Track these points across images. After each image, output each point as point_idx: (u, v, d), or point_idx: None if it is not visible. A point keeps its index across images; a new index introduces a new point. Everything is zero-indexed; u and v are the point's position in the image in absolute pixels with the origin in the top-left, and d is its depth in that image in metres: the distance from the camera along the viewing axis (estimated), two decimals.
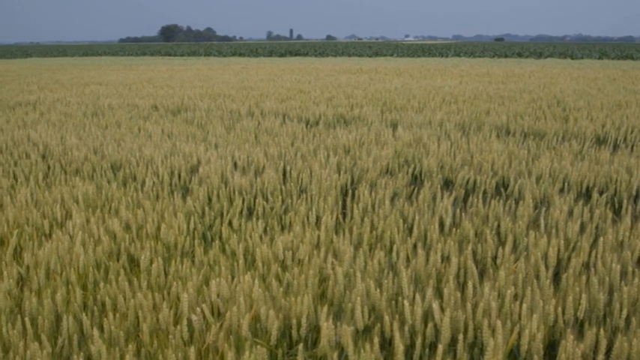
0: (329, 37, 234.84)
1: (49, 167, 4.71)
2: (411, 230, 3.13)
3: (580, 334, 1.97)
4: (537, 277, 2.40)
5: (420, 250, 2.51)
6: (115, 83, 13.35)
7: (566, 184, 4.01)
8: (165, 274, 2.55)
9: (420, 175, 4.39)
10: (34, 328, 2.14)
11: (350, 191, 3.80)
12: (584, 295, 2.14)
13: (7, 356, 1.95)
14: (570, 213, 3.27)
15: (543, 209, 3.28)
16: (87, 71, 20.49)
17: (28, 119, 7.49)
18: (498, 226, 3.12)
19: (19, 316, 2.15)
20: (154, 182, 4.05)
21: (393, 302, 2.25)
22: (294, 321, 2.12)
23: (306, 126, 6.41)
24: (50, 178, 4.31)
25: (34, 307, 2.23)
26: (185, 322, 2.06)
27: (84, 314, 2.16)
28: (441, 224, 3.18)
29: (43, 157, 5.13)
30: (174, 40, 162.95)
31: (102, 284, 2.37)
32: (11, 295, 2.39)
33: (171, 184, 4.13)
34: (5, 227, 3.16)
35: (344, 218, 3.34)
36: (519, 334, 2.01)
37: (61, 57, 43.64)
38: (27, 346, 1.95)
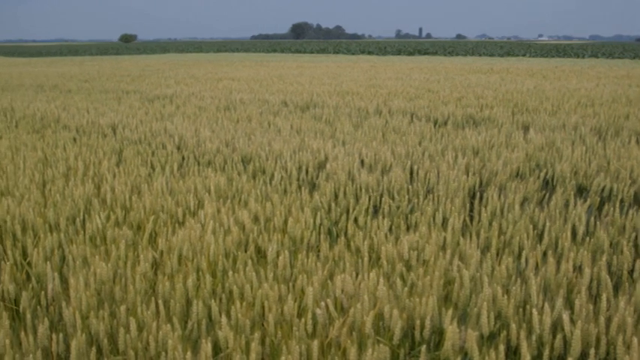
0: (459, 36, 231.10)
1: (183, 158, 4.91)
2: (541, 237, 3.03)
3: None
4: None
5: (550, 258, 2.42)
6: (247, 79, 13.74)
7: None
8: (291, 267, 2.59)
9: (552, 180, 4.23)
10: (166, 311, 2.23)
11: (478, 194, 3.72)
12: None
13: (141, 335, 2.04)
14: None
15: None
16: (220, 67, 21.23)
17: (165, 112, 7.84)
18: (636, 237, 2.97)
19: (152, 298, 2.25)
20: (282, 176, 4.13)
21: (521, 310, 2.18)
22: (417, 322, 2.10)
23: (434, 126, 6.34)
24: (184, 169, 4.49)
25: (167, 291, 2.33)
26: (309, 316, 2.09)
27: (213, 300, 2.23)
28: (574, 232, 3.06)
29: (178, 148, 5.36)
30: (304, 38, 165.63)
31: (230, 273, 2.43)
32: (146, 277, 2.51)
33: (298, 179, 4.20)
34: (142, 213, 3.32)
35: (471, 221, 3.28)
36: None
37: (196, 53, 45.42)
38: (159, 327, 2.04)
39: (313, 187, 4.10)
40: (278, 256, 2.61)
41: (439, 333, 2.14)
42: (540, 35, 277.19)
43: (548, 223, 2.98)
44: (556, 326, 2.07)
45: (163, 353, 1.92)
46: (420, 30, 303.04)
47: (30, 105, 8.80)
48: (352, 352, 1.86)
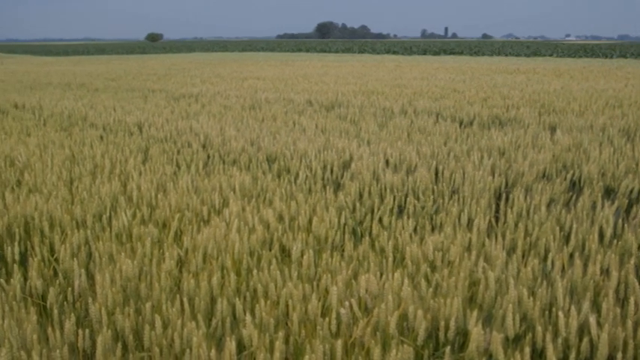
0: (485, 36, 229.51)
1: (208, 156, 4.93)
2: (567, 239, 2.99)
3: None
4: None
5: (577, 261, 2.39)
6: (272, 78, 13.77)
7: None
8: (315, 266, 2.59)
9: (579, 181, 4.19)
10: (191, 308, 2.25)
11: (504, 195, 3.70)
12: None
13: (166, 332, 2.05)
14: None
15: None
16: (245, 66, 21.31)
17: (191, 110, 7.89)
18: None
19: (177, 296, 2.27)
20: (307, 175, 4.14)
21: (547, 312, 2.16)
22: (441, 323, 2.09)
23: (460, 126, 6.31)
24: (209, 167, 4.51)
25: (192, 289, 2.35)
26: (333, 315, 2.09)
27: (237, 299, 2.23)
28: (601, 234, 3.02)
29: (204, 146, 5.39)
30: (329, 37, 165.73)
31: (255, 271, 2.44)
32: (171, 275, 2.52)
33: (323, 179, 4.20)
34: (168, 211, 3.34)
35: (497, 222, 3.25)
36: None
37: (221, 52, 45.63)
38: (184, 325, 2.05)
39: (338, 186, 4.09)
40: (302, 255, 2.61)
41: (464, 334, 2.13)
42: (567, 35, 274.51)
43: (575, 225, 2.95)
44: (583, 329, 2.04)
45: (188, 350, 1.93)
46: (446, 30, 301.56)
47: (58, 103, 8.90)
48: (376, 352, 1.85)
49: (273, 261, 2.54)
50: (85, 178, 4.07)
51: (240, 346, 2.02)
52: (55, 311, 2.25)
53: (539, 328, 1.99)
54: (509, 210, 3.23)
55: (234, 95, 9.75)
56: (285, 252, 2.86)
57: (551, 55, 35.46)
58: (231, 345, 1.88)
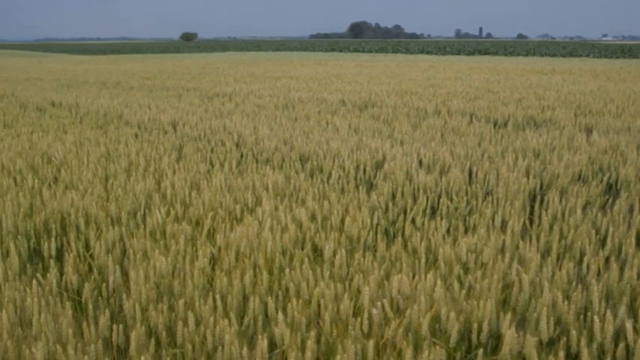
0: (520, 36, 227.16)
1: (241, 155, 4.96)
2: (603, 242, 2.95)
3: None
4: None
5: (613, 265, 2.36)
6: (305, 77, 13.79)
7: None
8: (348, 266, 2.59)
9: (616, 184, 4.12)
10: (223, 306, 2.26)
11: (538, 197, 3.65)
12: None
13: (198, 329, 2.07)
14: None
15: None
16: (279, 65, 21.39)
17: (225, 109, 7.94)
18: None
19: (210, 293, 2.28)
20: (339, 175, 4.13)
21: (581, 317, 2.14)
22: (474, 325, 2.08)
23: (494, 127, 6.25)
24: (242, 166, 4.53)
25: (224, 286, 2.36)
26: (365, 315, 2.09)
27: (269, 297, 2.24)
28: (638, 239, 2.97)
29: (237, 145, 5.41)
30: (362, 37, 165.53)
31: (287, 270, 2.45)
32: (204, 272, 2.54)
33: (356, 178, 4.19)
34: (201, 209, 3.36)
35: (531, 224, 3.22)
36: None
37: (255, 51, 45.85)
38: (217, 322, 2.06)
39: (371, 186, 4.08)
40: (335, 255, 2.61)
41: (496, 337, 2.11)
42: (605, 35, 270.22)
43: (611, 228, 2.90)
44: (618, 335, 2.01)
45: (220, 348, 1.94)
46: (480, 29, 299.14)
47: (94, 101, 9.03)
48: (408, 353, 1.84)
49: (306, 260, 2.54)
50: (119, 175, 4.12)
51: (272, 345, 2.02)
52: (90, 306, 2.29)
53: (573, 333, 1.97)
54: (543, 212, 3.19)
55: (267, 94, 9.78)
56: (317, 251, 2.86)
57: (587, 56, 35.03)
58: (263, 343, 1.89)
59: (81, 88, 12.02)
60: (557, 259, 2.71)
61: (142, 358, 1.81)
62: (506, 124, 6.60)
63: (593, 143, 5.19)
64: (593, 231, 2.94)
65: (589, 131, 6.01)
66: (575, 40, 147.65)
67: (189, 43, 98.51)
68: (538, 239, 2.90)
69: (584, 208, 3.43)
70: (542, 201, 3.54)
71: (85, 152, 4.92)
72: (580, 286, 2.25)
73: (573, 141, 5.30)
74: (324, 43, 77.39)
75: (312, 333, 1.94)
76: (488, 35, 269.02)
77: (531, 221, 3.30)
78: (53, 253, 2.81)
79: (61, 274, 2.56)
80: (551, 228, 3.08)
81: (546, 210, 3.30)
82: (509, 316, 2.00)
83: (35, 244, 3.08)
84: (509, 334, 1.91)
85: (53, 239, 2.88)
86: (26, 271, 2.70)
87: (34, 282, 2.33)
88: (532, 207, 3.53)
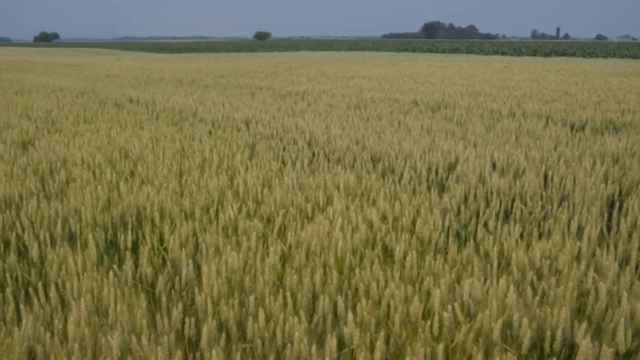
0: (599, 37, 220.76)
1: (313, 154, 4.98)
2: None
3: None
4: None
5: None
6: (377, 77, 13.75)
7: None
8: (418, 268, 2.56)
9: None
10: (293, 303, 2.27)
11: (617, 203, 3.54)
12: None
13: (268, 325, 2.09)
14: None
15: None
16: (351, 65, 21.40)
17: (297, 108, 7.98)
18: None
19: (280, 291, 2.30)
20: (411, 176, 4.10)
21: None
22: (547, 333, 2.02)
23: (571, 130, 6.09)
24: (314, 165, 4.55)
25: (294, 284, 2.37)
26: (435, 318, 2.06)
27: (339, 296, 2.24)
28: None
29: (309, 144, 5.44)
30: (435, 37, 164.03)
31: (357, 270, 2.44)
32: (275, 269, 2.56)
33: (428, 180, 4.16)
34: (273, 207, 3.39)
35: (609, 231, 3.12)
36: None
37: (327, 51, 45.99)
38: (286, 319, 2.08)
39: (443, 188, 4.04)
40: (405, 256, 2.59)
41: (570, 346, 2.05)
42: None
43: None
44: None
45: (289, 345, 1.95)
46: (558, 30, 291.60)
47: (169, 98, 9.22)
48: (478, 358, 1.81)
49: (376, 261, 2.53)
50: (193, 171, 4.20)
51: (341, 344, 2.03)
52: (164, 298, 2.34)
53: None
54: (622, 219, 3.09)
55: (339, 94, 9.80)
56: (387, 252, 2.84)
57: None
58: (332, 342, 1.89)
59: (157, 86, 12.30)
60: (637, 269, 2.62)
61: (213, 351, 1.83)
62: (583, 128, 6.42)
63: None
64: None
65: None
66: None
67: (262, 42, 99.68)
68: (616, 247, 2.80)
69: None
70: (620, 208, 3.43)
71: (161, 148, 5.03)
72: None
73: None
74: (396, 43, 77.05)
75: (382, 334, 1.92)
76: (566, 36, 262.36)
77: (609, 228, 3.20)
78: (129, 245, 2.89)
79: (136, 266, 2.62)
80: (630, 236, 2.97)
81: (625, 217, 3.19)
82: (584, 325, 1.94)
83: (112, 236, 3.17)
84: (585, 344, 1.85)
85: (129, 232, 2.96)
86: (103, 262, 2.78)
87: (111, 273, 2.39)
88: (610, 214, 3.42)
